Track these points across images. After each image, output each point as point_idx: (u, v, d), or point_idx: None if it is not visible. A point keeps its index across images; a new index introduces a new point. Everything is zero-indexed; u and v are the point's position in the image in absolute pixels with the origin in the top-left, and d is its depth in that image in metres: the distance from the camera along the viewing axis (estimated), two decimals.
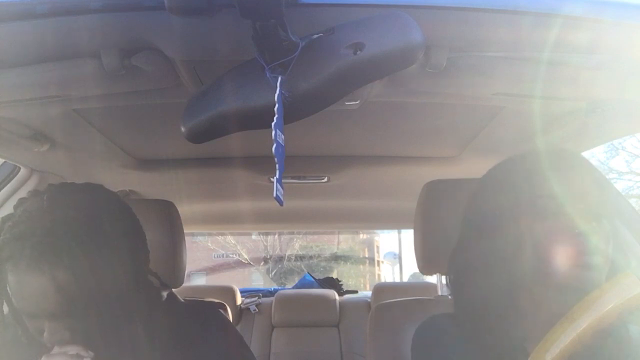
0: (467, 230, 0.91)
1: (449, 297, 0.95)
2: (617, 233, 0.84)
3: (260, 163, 1.66)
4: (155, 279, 0.96)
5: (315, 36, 0.73)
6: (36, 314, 0.80)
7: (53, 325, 0.79)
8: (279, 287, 3.79)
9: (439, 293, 2.50)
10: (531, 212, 0.81)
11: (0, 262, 0.78)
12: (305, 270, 10.19)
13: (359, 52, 0.70)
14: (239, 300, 2.87)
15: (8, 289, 0.80)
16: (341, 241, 12.85)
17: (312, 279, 3.53)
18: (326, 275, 3.69)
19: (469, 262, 0.88)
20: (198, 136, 0.80)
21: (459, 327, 0.88)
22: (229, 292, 2.81)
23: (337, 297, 2.94)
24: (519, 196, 0.83)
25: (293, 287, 3.66)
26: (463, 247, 0.91)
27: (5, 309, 0.83)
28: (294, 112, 0.73)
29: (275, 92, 0.70)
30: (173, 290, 1.18)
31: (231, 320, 1.38)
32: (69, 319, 0.79)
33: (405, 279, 6.48)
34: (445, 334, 0.91)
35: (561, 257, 0.78)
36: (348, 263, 12.89)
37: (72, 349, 0.78)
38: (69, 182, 0.92)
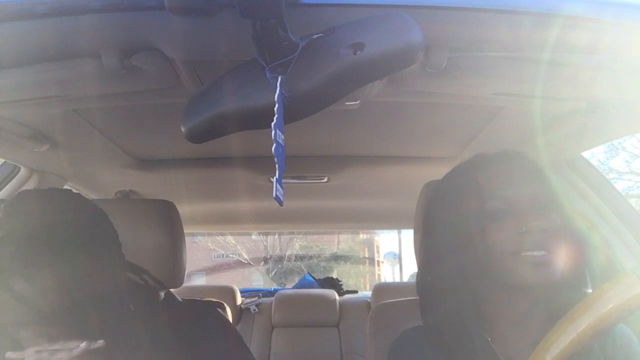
0: (428, 240, 0.92)
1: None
2: (589, 232, 0.84)
3: (260, 163, 1.66)
4: (150, 278, 0.96)
5: (315, 36, 0.73)
6: (16, 323, 0.79)
7: (30, 333, 0.79)
8: (279, 287, 3.79)
9: None
10: (482, 216, 0.82)
11: None
12: (305, 270, 10.20)
13: (359, 52, 0.70)
14: (239, 300, 2.87)
15: None
16: (341, 241, 12.86)
17: (312, 279, 3.53)
18: (326, 275, 3.69)
19: (433, 273, 0.89)
20: (198, 136, 0.80)
21: (429, 339, 0.88)
22: (228, 292, 2.81)
23: (337, 297, 2.94)
24: (468, 203, 0.84)
25: (293, 287, 3.66)
26: (427, 258, 0.92)
27: None
28: (294, 112, 0.73)
29: (275, 92, 0.70)
30: (173, 290, 1.18)
31: (231, 320, 1.38)
32: (50, 327, 0.78)
33: (405, 279, 6.48)
34: (416, 347, 0.91)
35: (512, 257, 0.79)
36: (348, 263, 12.89)
37: (72, 344, 0.78)
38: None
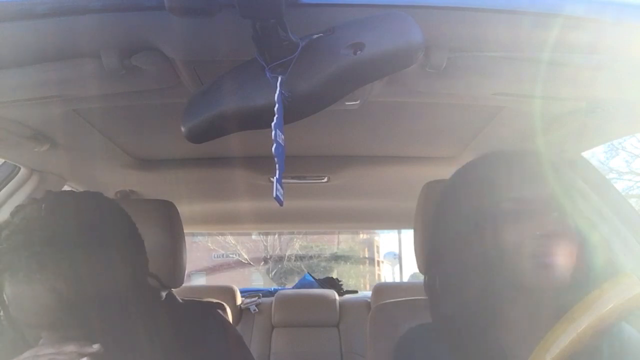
0: (437, 238, 0.91)
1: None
2: (592, 233, 0.83)
3: (260, 163, 1.66)
4: (155, 280, 0.96)
5: (315, 36, 0.73)
6: (34, 325, 0.78)
7: (50, 335, 0.78)
8: (279, 287, 3.78)
9: None
10: (496, 216, 0.81)
11: None
12: (305, 270, 10.19)
13: (359, 52, 0.70)
14: (239, 300, 2.86)
15: (5, 298, 0.78)
16: (341, 241, 12.85)
17: (312, 279, 3.52)
18: (326, 275, 3.69)
19: (443, 270, 0.88)
20: (198, 136, 0.80)
21: (437, 336, 0.88)
22: (228, 292, 2.81)
23: (337, 297, 2.94)
24: (483, 201, 0.83)
25: (293, 287, 3.65)
26: (436, 256, 0.91)
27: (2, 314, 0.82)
28: (294, 112, 0.73)
29: (275, 92, 0.70)
30: (173, 290, 1.18)
31: (231, 321, 1.38)
32: (66, 330, 0.78)
33: (405, 279, 6.48)
34: (424, 345, 0.91)
35: (526, 259, 0.78)
36: (348, 263, 12.89)
37: (69, 347, 0.77)
38: (67, 188, 0.91)
